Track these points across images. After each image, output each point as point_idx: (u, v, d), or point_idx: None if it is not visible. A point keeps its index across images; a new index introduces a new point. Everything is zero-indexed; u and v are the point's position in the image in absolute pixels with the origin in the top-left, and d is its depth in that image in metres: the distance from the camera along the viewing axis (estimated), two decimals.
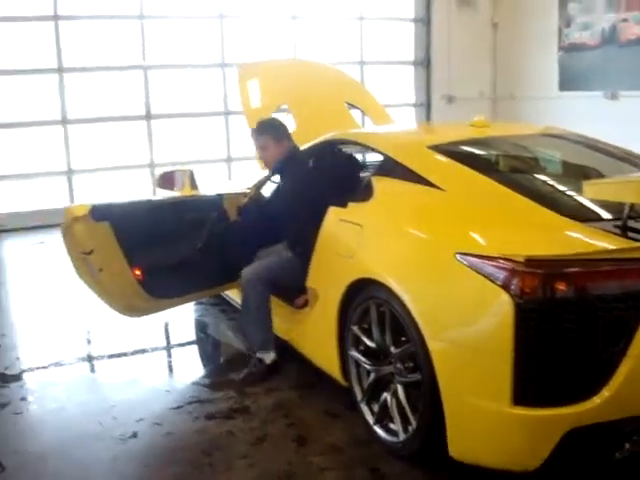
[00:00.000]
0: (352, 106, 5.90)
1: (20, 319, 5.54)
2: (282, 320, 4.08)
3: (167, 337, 5.04)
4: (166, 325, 5.07)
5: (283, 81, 5.66)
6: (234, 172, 9.92)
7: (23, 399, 3.91)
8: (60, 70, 8.98)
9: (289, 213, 4.09)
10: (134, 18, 9.25)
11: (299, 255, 3.92)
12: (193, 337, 5.00)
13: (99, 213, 3.70)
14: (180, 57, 9.63)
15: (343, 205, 3.55)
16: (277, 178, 4.45)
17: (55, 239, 7.74)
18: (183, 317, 5.14)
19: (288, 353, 4.02)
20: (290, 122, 5.83)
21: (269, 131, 4.27)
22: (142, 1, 9.18)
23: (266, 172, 4.67)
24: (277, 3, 10.03)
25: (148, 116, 9.51)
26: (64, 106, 9.05)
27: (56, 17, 8.85)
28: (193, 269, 4.09)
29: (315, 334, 3.72)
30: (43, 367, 4.38)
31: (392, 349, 3.09)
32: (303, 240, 3.85)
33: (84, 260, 3.77)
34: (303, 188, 4.07)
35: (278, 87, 5.60)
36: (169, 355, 4.74)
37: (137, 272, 3.86)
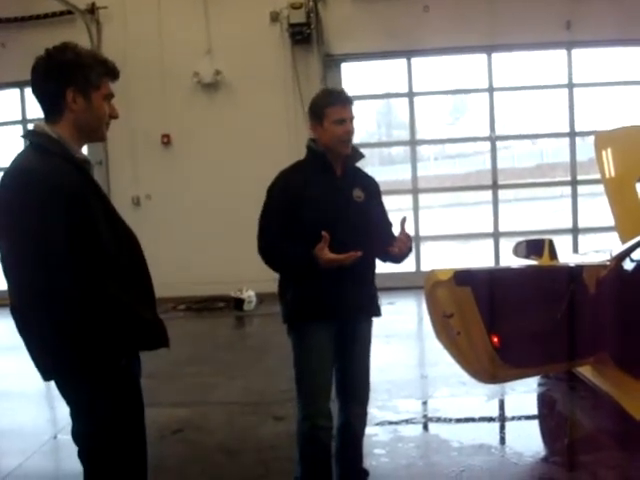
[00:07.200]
0: None
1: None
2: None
3: (508, 407, 4.98)
4: (502, 394, 5.00)
5: None
6: (581, 244, 9.55)
7: (376, 452, 4.12)
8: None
9: None
10: (483, 91, 9.59)
11: None
12: (535, 410, 4.92)
13: (461, 278, 3.82)
14: (527, 126, 9.70)
15: None
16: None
17: (405, 302, 8.26)
18: (524, 388, 4.99)
19: None
20: None
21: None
22: (491, 74, 9.47)
23: (628, 243, 4.43)
24: (627, 66, 9.63)
25: (495, 186, 9.64)
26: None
27: None
28: (550, 341, 4.00)
29: None
30: (395, 423, 4.64)
31: None
32: None
33: (444, 323, 3.92)
34: None
35: (639, 156, 5.30)
36: (513, 425, 4.68)
37: (495, 339, 3.89)
